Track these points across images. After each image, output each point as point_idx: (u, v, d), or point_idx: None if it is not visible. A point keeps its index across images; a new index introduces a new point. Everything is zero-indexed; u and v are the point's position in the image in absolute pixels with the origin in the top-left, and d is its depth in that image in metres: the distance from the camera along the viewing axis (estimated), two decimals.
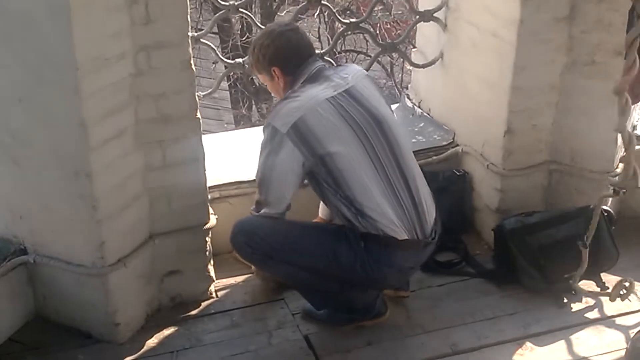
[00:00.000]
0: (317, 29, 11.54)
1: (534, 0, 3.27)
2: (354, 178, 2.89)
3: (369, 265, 2.88)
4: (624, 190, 3.01)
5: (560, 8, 3.30)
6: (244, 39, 10.58)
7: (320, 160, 2.88)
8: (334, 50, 6.95)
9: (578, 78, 3.43)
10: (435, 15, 3.77)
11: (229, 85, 11.28)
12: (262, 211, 2.97)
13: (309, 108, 2.90)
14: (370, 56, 6.60)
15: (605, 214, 3.32)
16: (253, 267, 3.32)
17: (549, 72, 3.44)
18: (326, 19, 10.97)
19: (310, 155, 2.86)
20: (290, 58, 3.06)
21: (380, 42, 4.18)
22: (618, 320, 3.16)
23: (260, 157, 2.97)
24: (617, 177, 3.22)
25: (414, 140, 3.92)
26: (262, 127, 3.04)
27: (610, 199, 3.52)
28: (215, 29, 10.26)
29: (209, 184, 3.25)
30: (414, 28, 4.10)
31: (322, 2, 3.75)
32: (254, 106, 11.97)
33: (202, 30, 3.74)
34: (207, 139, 3.29)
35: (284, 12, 11.35)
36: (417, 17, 3.83)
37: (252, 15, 3.85)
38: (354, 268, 2.90)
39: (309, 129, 2.87)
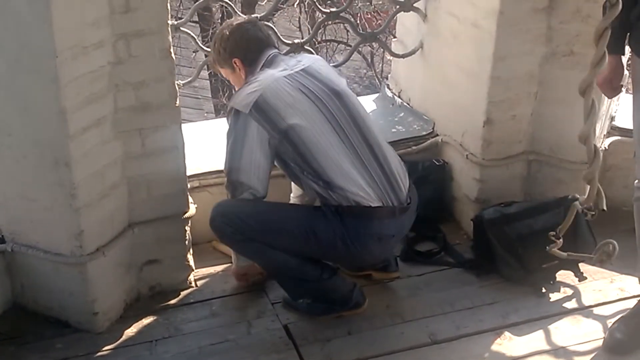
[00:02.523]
0: (297, 19, 11.51)
1: None
2: (318, 148, 2.94)
3: (349, 238, 2.90)
4: (593, 213, 2.77)
5: None
6: None
7: (284, 136, 2.93)
8: (314, 40, 6.94)
9: (557, 69, 3.46)
10: (415, 5, 3.78)
11: (209, 74, 11.21)
12: (242, 196, 2.99)
13: (267, 86, 2.98)
14: (350, 46, 6.60)
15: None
16: (232, 270, 3.34)
17: (528, 62, 3.47)
18: (306, 9, 10.96)
19: (274, 132, 2.92)
20: (249, 48, 3.16)
21: (361, 31, 4.18)
22: (596, 310, 3.19)
23: (227, 145, 3.02)
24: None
25: (393, 130, 3.95)
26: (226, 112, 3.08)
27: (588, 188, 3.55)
28: (196, 18, 10.20)
29: (188, 173, 3.26)
30: (394, 18, 4.10)
31: None
32: None
33: (182, 18, 3.71)
34: (186, 128, 3.30)
35: (265, 1, 11.31)
36: (398, 7, 3.83)
37: (232, 4, 3.84)
38: (335, 244, 2.92)
39: (269, 105, 2.93)
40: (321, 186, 2.90)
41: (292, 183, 3.22)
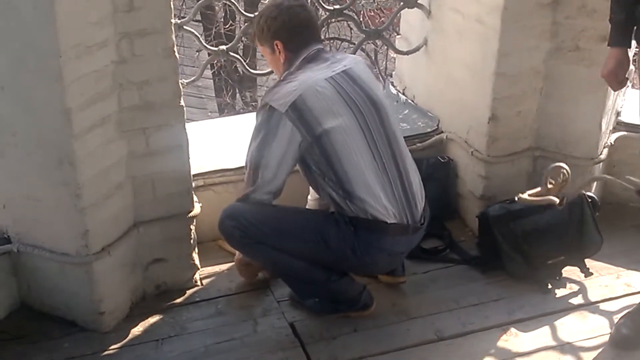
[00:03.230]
0: None
1: None
2: (348, 157, 2.92)
3: (359, 249, 2.91)
4: None
5: None
6: (227, 26, 10.60)
7: (316, 140, 2.90)
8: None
9: (562, 64, 3.47)
10: (419, 2, 3.80)
11: (212, 73, 11.31)
12: (252, 197, 2.96)
13: (308, 87, 2.93)
14: (354, 44, 6.62)
15: (589, 200, 3.36)
16: (236, 265, 3.36)
17: (533, 58, 3.48)
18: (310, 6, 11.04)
19: (308, 135, 2.89)
20: (294, 34, 3.08)
21: (364, 29, 4.21)
22: (602, 306, 3.20)
23: (253, 140, 2.97)
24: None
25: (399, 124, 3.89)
26: (257, 109, 3.06)
27: (595, 184, 3.56)
28: (199, 17, 10.26)
29: (193, 172, 3.27)
30: (398, 15, 4.12)
31: None
32: (237, 94, 12.02)
33: (185, 17, 3.73)
34: (190, 127, 3.31)
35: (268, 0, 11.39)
36: (401, 3, 3.84)
37: (235, 3, 3.85)
38: (344, 252, 2.92)
39: (307, 107, 2.89)
40: (340, 195, 2.90)
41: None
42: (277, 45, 3.08)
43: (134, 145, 3.03)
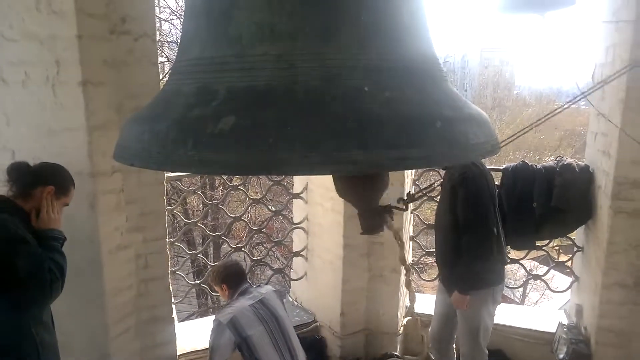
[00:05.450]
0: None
1: (350, 246, 5.43)
2: (262, 349, 4.14)
3: None
4: None
5: (363, 247, 5.54)
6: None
7: (244, 340, 4.09)
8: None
9: (376, 283, 5.64)
10: (301, 253, 6.05)
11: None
12: None
13: (239, 311, 4.21)
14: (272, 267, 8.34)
15: None
16: None
17: (363, 279, 5.62)
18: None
19: (238, 337, 4.10)
20: (232, 280, 4.50)
21: (274, 268, 6.45)
22: None
23: (211, 334, 4.19)
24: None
25: (294, 319, 5.92)
26: (214, 320, 4.26)
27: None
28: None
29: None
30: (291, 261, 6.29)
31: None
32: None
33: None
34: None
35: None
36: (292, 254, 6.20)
37: (205, 258, 5.67)
38: None
39: (238, 322, 4.14)
40: None
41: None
42: (223, 287, 4.50)
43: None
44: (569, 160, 5.49)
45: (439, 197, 4.95)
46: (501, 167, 5.61)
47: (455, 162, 3.08)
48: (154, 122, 1.38)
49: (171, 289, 4.66)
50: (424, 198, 5.54)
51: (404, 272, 3.29)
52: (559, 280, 12.61)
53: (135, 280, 4.40)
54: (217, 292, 4.73)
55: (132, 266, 4.34)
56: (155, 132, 1.34)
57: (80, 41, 3.82)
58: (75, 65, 3.84)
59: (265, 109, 1.30)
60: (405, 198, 1.77)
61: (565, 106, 4.39)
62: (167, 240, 4.65)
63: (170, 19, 14.31)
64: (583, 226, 5.67)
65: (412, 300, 2.63)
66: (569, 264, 6.28)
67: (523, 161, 5.59)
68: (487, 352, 4.70)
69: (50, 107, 3.90)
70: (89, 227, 4.01)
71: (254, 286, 4.69)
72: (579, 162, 5.47)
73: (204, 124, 1.28)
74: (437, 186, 4.71)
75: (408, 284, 2.06)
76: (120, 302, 4.32)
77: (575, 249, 5.92)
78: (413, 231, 6.41)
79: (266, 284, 5.34)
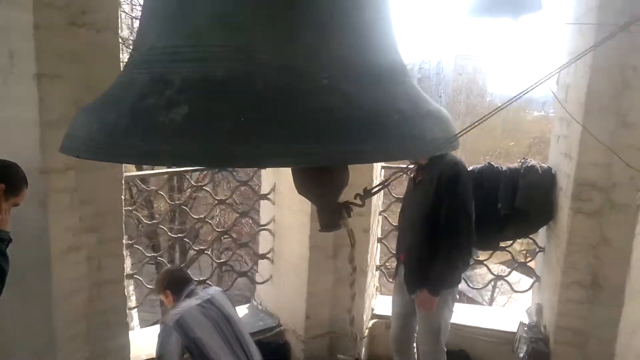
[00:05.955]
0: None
1: (316, 247, 5.48)
2: (214, 351, 4.02)
3: None
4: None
5: (329, 248, 5.53)
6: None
7: (192, 342, 3.98)
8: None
9: (341, 285, 5.61)
10: (267, 255, 6.11)
11: None
12: None
13: (185, 311, 4.09)
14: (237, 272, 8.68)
15: None
16: None
17: (328, 281, 5.60)
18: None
19: (185, 339, 3.98)
20: (176, 285, 4.39)
21: (237, 271, 6.52)
22: None
23: (157, 340, 4.07)
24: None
25: (258, 324, 5.98)
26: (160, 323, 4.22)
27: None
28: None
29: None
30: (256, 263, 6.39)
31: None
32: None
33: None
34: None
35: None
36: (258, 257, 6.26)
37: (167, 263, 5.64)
38: None
39: (185, 322, 4.02)
40: None
41: None
42: (167, 293, 4.38)
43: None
44: (533, 162, 5.63)
45: (403, 195, 4.99)
46: (468, 169, 5.60)
47: (412, 157, 3.34)
48: (104, 112, 1.36)
49: (129, 294, 4.55)
50: (381, 192, 5.55)
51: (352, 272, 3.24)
52: (526, 283, 12.72)
53: (86, 284, 4.28)
54: (164, 300, 4.62)
55: (83, 268, 4.22)
56: (104, 122, 1.31)
57: (36, 32, 3.73)
58: (31, 57, 3.75)
59: (220, 100, 1.28)
60: (362, 194, 1.76)
61: (507, 103, 4.34)
62: (124, 242, 4.58)
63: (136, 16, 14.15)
64: (545, 227, 5.80)
65: (353, 299, 2.61)
66: (531, 264, 6.40)
67: (489, 163, 5.71)
68: (445, 349, 4.78)
69: (1, 99, 3.81)
70: (38, 226, 3.94)
71: (201, 287, 4.58)
72: (542, 165, 5.61)
73: (155, 114, 1.26)
74: (393, 180, 4.68)
75: (352, 284, 2.06)
76: (70, 305, 4.21)
77: (537, 249, 6.06)
78: (381, 233, 6.45)
79: (230, 288, 5.35)
